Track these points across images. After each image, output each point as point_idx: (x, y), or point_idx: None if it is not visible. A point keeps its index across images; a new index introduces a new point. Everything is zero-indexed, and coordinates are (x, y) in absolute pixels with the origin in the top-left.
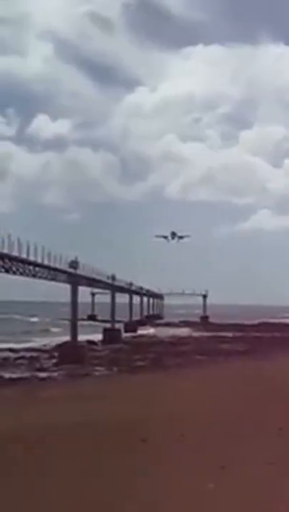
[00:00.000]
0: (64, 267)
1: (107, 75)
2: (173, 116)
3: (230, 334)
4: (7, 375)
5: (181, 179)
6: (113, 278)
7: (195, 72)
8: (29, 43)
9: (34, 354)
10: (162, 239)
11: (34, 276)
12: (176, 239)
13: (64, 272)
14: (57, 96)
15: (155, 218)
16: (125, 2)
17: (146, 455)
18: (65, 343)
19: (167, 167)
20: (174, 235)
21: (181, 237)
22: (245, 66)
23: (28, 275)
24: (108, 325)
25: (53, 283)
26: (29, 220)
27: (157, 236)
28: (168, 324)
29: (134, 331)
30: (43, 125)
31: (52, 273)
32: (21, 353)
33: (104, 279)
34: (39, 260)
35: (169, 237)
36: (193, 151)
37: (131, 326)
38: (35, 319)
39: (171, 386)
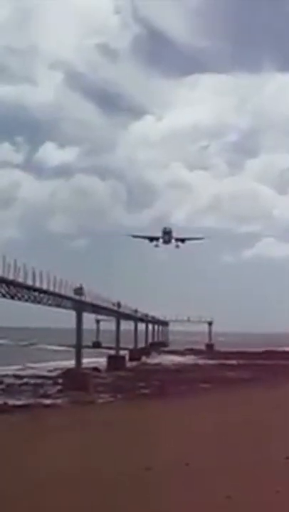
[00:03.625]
0: (69, 293)
1: (114, 103)
2: (179, 145)
3: (235, 362)
4: (11, 402)
5: (187, 207)
6: (118, 305)
7: (201, 101)
8: (39, 72)
9: (38, 380)
10: (148, 241)
11: (39, 302)
12: (172, 242)
13: (69, 298)
14: (65, 124)
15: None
16: (135, 34)
17: (150, 484)
18: (70, 369)
19: (173, 195)
20: (167, 235)
21: (182, 241)
22: (250, 95)
23: (33, 301)
24: (113, 352)
25: (57, 309)
26: (35, 246)
27: (135, 236)
28: (173, 352)
29: (139, 358)
30: (51, 153)
31: (57, 299)
32: (26, 379)
33: (109, 305)
34: (44, 286)
35: (160, 241)
36: (199, 179)
37: (136, 353)
38: (39, 346)
39: (176, 414)
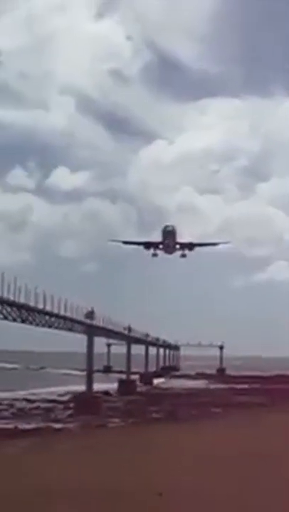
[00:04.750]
0: (80, 317)
1: (125, 128)
2: (190, 169)
3: (246, 386)
4: (22, 426)
5: (198, 230)
6: (129, 329)
7: (212, 126)
8: (51, 97)
9: (49, 405)
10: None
11: (50, 326)
12: (176, 250)
13: (80, 322)
14: (77, 149)
15: (172, 269)
16: (147, 60)
17: (162, 509)
18: (81, 393)
19: (184, 218)
20: (169, 237)
21: (190, 247)
22: (261, 119)
23: (44, 325)
24: (124, 376)
25: (68, 333)
26: (47, 269)
27: (126, 242)
28: (184, 376)
29: (150, 382)
30: (63, 177)
31: (68, 323)
32: (36, 403)
33: (120, 329)
34: (55, 310)
35: (152, 250)
36: (210, 202)
37: (147, 378)
38: (50, 370)
39: (187, 440)
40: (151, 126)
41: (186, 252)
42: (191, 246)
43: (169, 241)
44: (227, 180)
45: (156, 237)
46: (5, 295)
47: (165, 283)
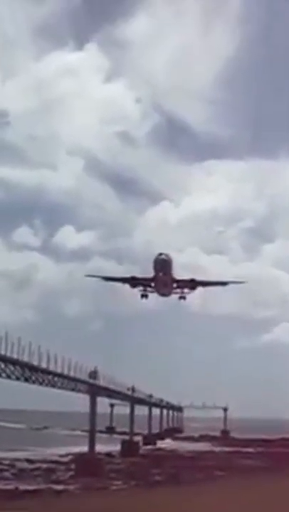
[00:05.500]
0: (84, 376)
1: (131, 188)
2: (196, 230)
3: (251, 449)
4: (23, 487)
5: (203, 291)
6: (133, 390)
7: (218, 187)
8: (59, 158)
9: (51, 465)
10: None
11: (53, 386)
12: (173, 290)
13: (84, 382)
14: (83, 208)
15: (176, 329)
16: (154, 122)
17: None
18: (83, 455)
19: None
20: (163, 271)
21: (191, 286)
22: (267, 181)
23: (47, 385)
24: (127, 437)
25: (71, 393)
26: (51, 328)
27: (108, 279)
28: (188, 438)
29: (153, 443)
30: (69, 236)
31: (71, 383)
32: (38, 464)
33: (123, 390)
34: (59, 370)
35: (140, 288)
36: (216, 263)
37: (150, 439)
38: (52, 430)
39: (190, 504)
40: (158, 187)
41: (187, 292)
42: (192, 284)
43: (163, 276)
44: (233, 241)
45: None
46: (8, 354)
47: (168, 342)
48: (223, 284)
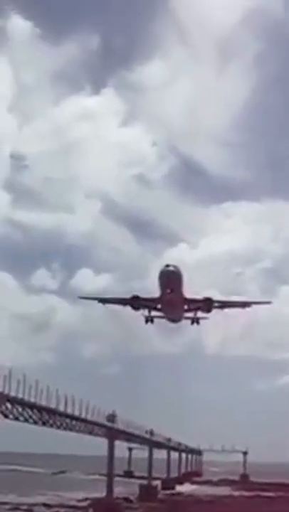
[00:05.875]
0: (102, 420)
1: (149, 231)
2: (214, 272)
3: (271, 494)
4: None
5: (221, 334)
6: (151, 433)
7: (235, 229)
8: (76, 201)
9: (69, 510)
10: None
11: (71, 429)
12: (181, 311)
13: (101, 425)
14: (100, 251)
15: (193, 371)
16: (171, 165)
17: None
18: (100, 499)
19: (207, 321)
20: (171, 281)
21: (206, 307)
22: (284, 222)
23: (65, 428)
24: (145, 481)
25: (89, 436)
26: (69, 371)
27: (103, 300)
28: (206, 482)
29: (172, 488)
30: (86, 278)
31: (89, 426)
32: (55, 509)
33: (142, 433)
34: (76, 413)
35: (144, 311)
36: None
37: (168, 483)
38: (70, 474)
39: None
40: (175, 229)
41: (200, 315)
42: (208, 305)
43: (171, 294)
44: (250, 282)
45: (182, 342)
46: (26, 397)
47: (186, 384)
48: (245, 305)
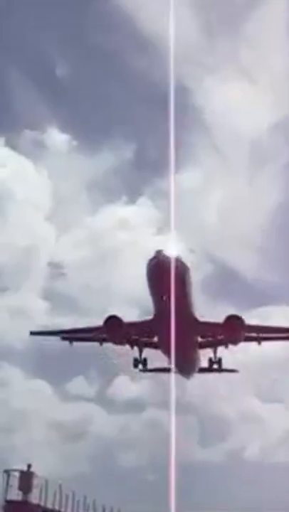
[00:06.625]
0: None
1: None
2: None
3: None
4: None
5: (261, 441)
6: None
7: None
8: (112, 307)
9: None
10: None
11: None
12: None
13: None
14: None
15: (235, 481)
16: (207, 270)
17: None
18: None
19: (247, 429)
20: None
21: (233, 339)
22: None
23: None
24: None
25: None
26: (106, 481)
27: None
28: None
29: None
30: (124, 385)
31: None
32: None
33: None
34: None
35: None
36: (273, 412)
37: None
38: None
39: None
40: None
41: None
42: (234, 333)
43: (169, 304)
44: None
45: (222, 451)
46: (63, 509)
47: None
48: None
